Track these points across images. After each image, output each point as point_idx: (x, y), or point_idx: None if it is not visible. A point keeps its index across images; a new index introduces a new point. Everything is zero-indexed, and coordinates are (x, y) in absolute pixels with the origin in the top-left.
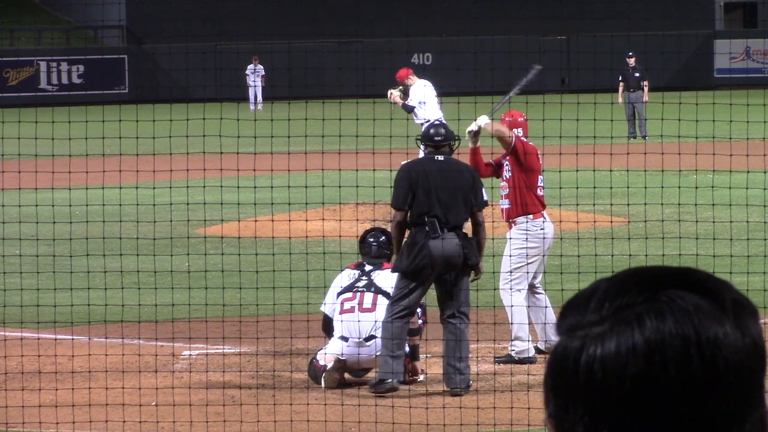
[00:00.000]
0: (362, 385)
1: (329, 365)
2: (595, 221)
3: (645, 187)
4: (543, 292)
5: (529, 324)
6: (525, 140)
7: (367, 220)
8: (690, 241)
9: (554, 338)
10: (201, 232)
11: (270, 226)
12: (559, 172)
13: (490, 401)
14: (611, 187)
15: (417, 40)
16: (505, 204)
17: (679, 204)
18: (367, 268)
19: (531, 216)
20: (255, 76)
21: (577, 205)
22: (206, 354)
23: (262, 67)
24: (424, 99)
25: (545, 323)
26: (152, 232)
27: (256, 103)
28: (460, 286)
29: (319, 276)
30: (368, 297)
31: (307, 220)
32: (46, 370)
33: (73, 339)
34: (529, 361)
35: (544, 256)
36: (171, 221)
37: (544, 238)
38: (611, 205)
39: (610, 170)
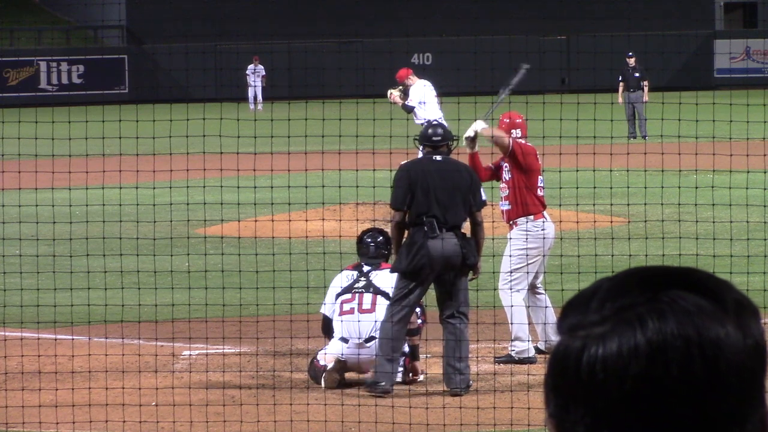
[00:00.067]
0: (362, 385)
1: (329, 365)
2: (595, 221)
3: (645, 187)
4: (544, 292)
5: (529, 324)
6: (523, 141)
7: (367, 220)
8: (690, 241)
9: (555, 338)
10: (201, 232)
11: (270, 226)
12: (559, 172)
13: (490, 401)
14: (611, 187)
15: (417, 40)
16: (505, 206)
17: (679, 204)
18: (366, 268)
19: (532, 217)
20: (255, 77)
21: (577, 205)
22: (206, 354)
23: (262, 67)
24: (424, 99)
25: (545, 323)
26: (152, 232)
27: (256, 102)
28: (459, 286)
29: (319, 276)
30: (367, 298)
31: (307, 220)
32: (46, 370)
33: (73, 339)
34: (529, 361)
35: (544, 256)
36: (171, 221)
37: (544, 238)
38: (611, 205)
39: (610, 170)
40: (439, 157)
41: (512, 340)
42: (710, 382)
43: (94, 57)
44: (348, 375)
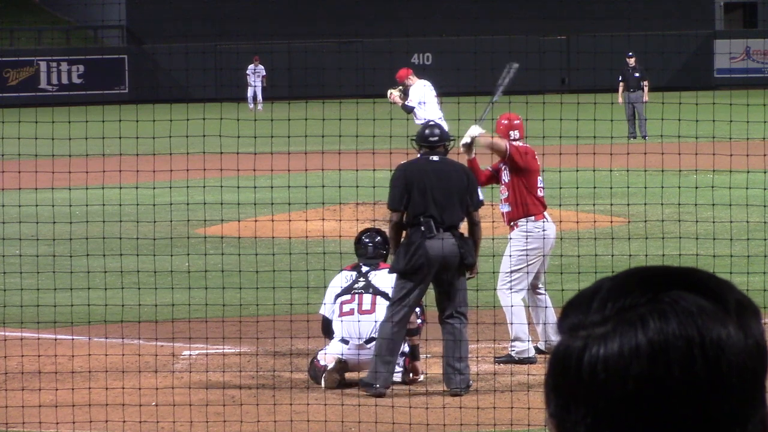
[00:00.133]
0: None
1: (330, 365)
2: (595, 221)
3: (645, 187)
4: (545, 292)
5: (529, 324)
6: (519, 144)
7: (367, 220)
8: (690, 241)
9: (555, 338)
10: (201, 232)
11: (270, 226)
12: (559, 172)
13: (490, 401)
14: (611, 187)
15: (417, 40)
16: (505, 207)
17: (679, 204)
18: (364, 269)
19: (533, 217)
20: (255, 77)
21: (577, 205)
22: (206, 354)
23: (262, 67)
24: (424, 99)
25: (546, 323)
26: (152, 232)
27: (255, 102)
28: (457, 286)
29: (319, 276)
30: (367, 298)
31: (307, 220)
32: (46, 370)
33: (73, 339)
34: (529, 361)
35: (545, 256)
36: (171, 221)
37: (544, 238)
38: (611, 205)
39: (610, 170)
40: (436, 158)
41: (512, 341)
42: (712, 382)
43: (94, 57)
44: (348, 375)
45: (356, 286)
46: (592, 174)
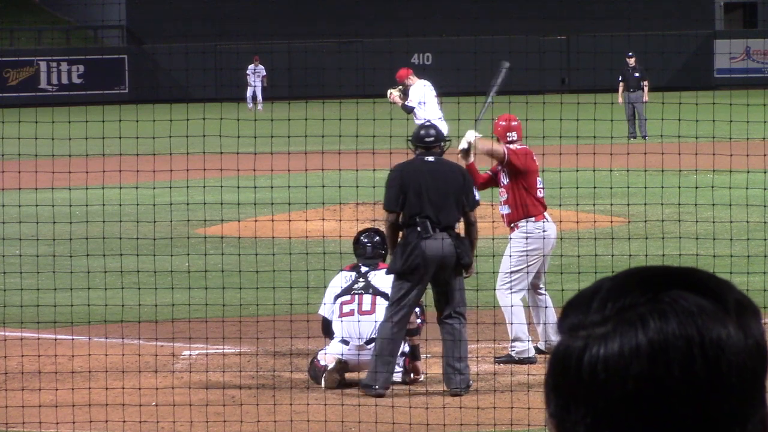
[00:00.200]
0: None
1: (330, 366)
2: (595, 221)
3: (645, 187)
4: (545, 292)
5: (529, 324)
6: (517, 146)
7: (367, 220)
8: (690, 241)
9: (555, 338)
10: (201, 232)
11: (270, 226)
12: (559, 172)
13: (490, 401)
14: (611, 187)
15: (417, 40)
16: (505, 209)
17: (679, 204)
18: (363, 269)
19: (532, 218)
20: (255, 77)
21: (577, 205)
22: (206, 354)
23: (263, 67)
24: (424, 99)
25: (546, 323)
26: (152, 232)
27: (255, 102)
28: (454, 286)
29: (319, 276)
30: (367, 299)
31: (307, 220)
32: (46, 370)
33: (73, 339)
34: (529, 361)
35: (545, 256)
36: (171, 221)
37: (544, 239)
38: (611, 205)
39: (610, 170)
40: (431, 158)
41: (512, 341)
42: (712, 382)
43: (94, 57)
44: (348, 375)
45: (356, 286)
46: (592, 174)
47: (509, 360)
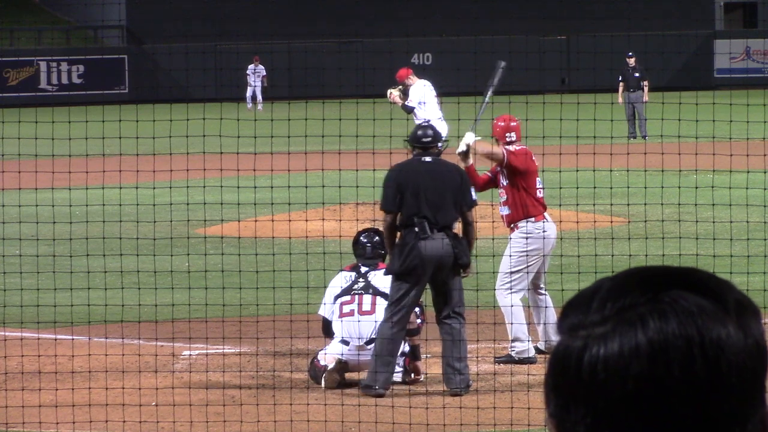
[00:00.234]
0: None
1: (330, 366)
2: (595, 221)
3: (645, 187)
4: (546, 292)
5: (529, 324)
6: (516, 147)
7: (367, 220)
8: (690, 241)
9: (555, 338)
10: (201, 232)
11: (270, 226)
12: (559, 172)
13: (490, 401)
14: (611, 187)
15: (417, 40)
16: (504, 210)
17: (679, 204)
18: (363, 269)
19: (532, 219)
20: (255, 77)
21: (577, 205)
22: (206, 354)
23: (263, 67)
24: (424, 99)
25: (546, 323)
26: (152, 232)
27: (255, 102)
28: (452, 286)
29: (319, 276)
30: (367, 299)
31: (307, 220)
32: (46, 370)
33: (73, 339)
34: (529, 361)
35: (545, 256)
36: (171, 221)
37: (544, 239)
38: (611, 205)
39: (610, 170)
40: (428, 158)
41: (512, 341)
42: (712, 382)
43: (94, 57)
44: (348, 375)
45: (356, 287)
46: (592, 174)
47: (509, 360)
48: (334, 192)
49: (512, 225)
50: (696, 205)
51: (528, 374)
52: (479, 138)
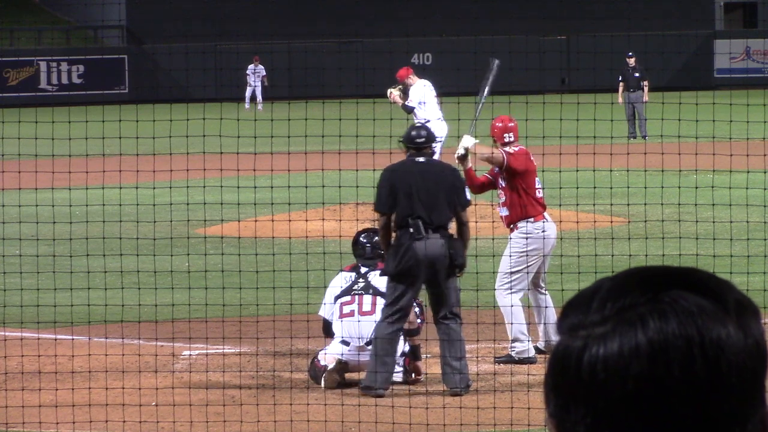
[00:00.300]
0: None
1: (330, 366)
2: (595, 221)
3: (645, 187)
4: (546, 292)
5: (529, 324)
6: (514, 148)
7: (367, 220)
8: (690, 241)
9: (555, 338)
10: (201, 232)
11: (270, 226)
12: (559, 172)
13: (490, 401)
14: (611, 187)
15: (417, 40)
16: (504, 211)
17: (679, 204)
18: (363, 269)
19: (532, 219)
20: (255, 77)
21: (577, 205)
22: (206, 354)
23: (263, 67)
24: (424, 99)
25: (546, 323)
26: (152, 232)
27: (255, 102)
28: (448, 286)
29: (319, 276)
30: (367, 299)
31: (307, 220)
32: (46, 370)
33: (73, 339)
34: (529, 361)
35: (545, 256)
36: (171, 221)
37: (544, 239)
38: (611, 205)
39: (610, 170)
40: (422, 159)
41: (512, 341)
42: (712, 382)
43: (94, 57)
44: (348, 375)
45: (356, 287)
46: (592, 174)
47: (509, 360)
48: (334, 192)
49: (512, 225)
50: (696, 205)
51: (528, 374)
52: (478, 141)
